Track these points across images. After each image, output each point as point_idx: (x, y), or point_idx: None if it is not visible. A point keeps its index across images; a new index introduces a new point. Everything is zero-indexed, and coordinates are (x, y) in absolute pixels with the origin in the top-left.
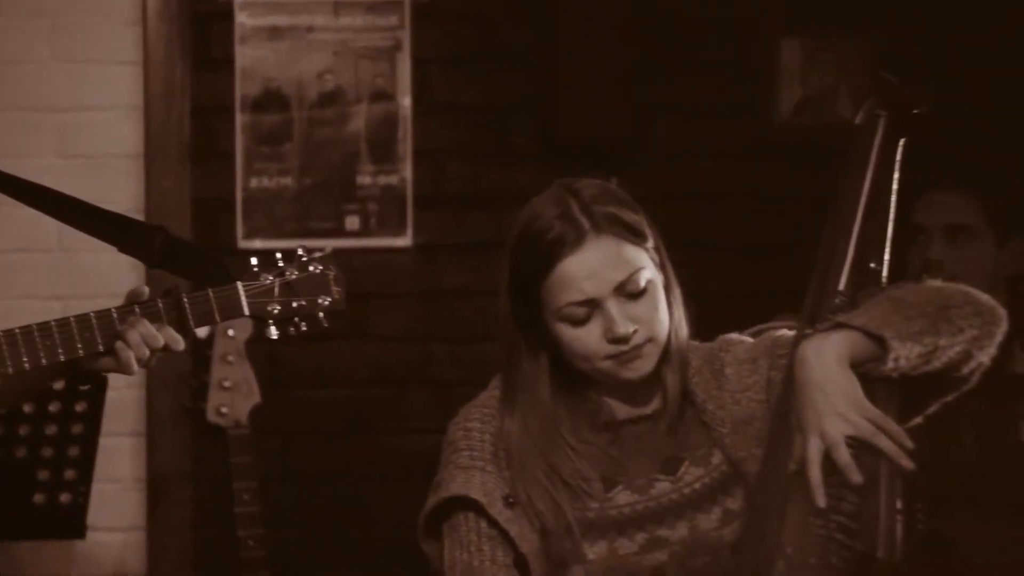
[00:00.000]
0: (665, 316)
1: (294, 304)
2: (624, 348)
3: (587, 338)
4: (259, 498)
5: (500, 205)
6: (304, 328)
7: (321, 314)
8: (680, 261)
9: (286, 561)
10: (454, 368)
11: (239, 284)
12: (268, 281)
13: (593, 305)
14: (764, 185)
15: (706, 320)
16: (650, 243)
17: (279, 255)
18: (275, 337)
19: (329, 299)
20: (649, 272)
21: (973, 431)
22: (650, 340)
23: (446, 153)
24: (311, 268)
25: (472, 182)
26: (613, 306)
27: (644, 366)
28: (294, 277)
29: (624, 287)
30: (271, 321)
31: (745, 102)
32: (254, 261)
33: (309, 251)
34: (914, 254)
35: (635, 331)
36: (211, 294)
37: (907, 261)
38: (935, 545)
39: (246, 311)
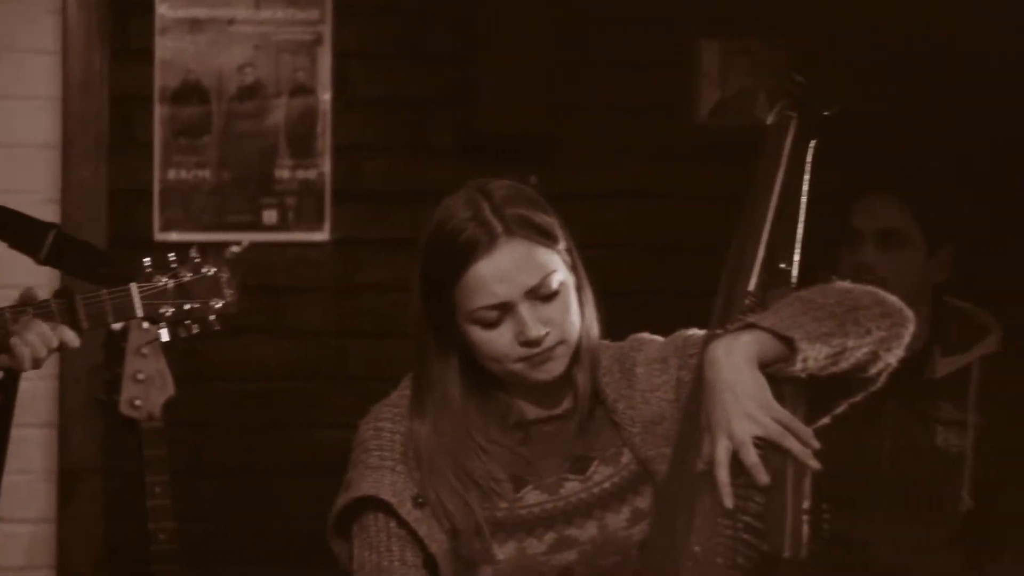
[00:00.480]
0: (576, 317)
1: (187, 307)
2: (536, 351)
3: (499, 341)
4: (171, 491)
5: (418, 201)
6: (195, 331)
7: (213, 317)
8: (598, 259)
9: (198, 555)
10: (370, 363)
11: (133, 285)
12: (162, 283)
13: (505, 308)
14: (682, 185)
15: (621, 319)
16: (561, 244)
17: (171, 256)
18: (166, 340)
19: (222, 302)
20: (561, 274)
21: (892, 434)
22: (562, 342)
23: (365, 148)
24: (204, 270)
25: (391, 178)
26: (525, 309)
27: (556, 368)
28: (188, 279)
29: (536, 290)
30: (163, 323)
31: (664, 102)
32: (147, 262)
33: (203, 252)
34: (846, 256)
35: (547, 334)
36: (105, 295)
37: (839, 262)
38: (847, 546)
39: (139, 313)
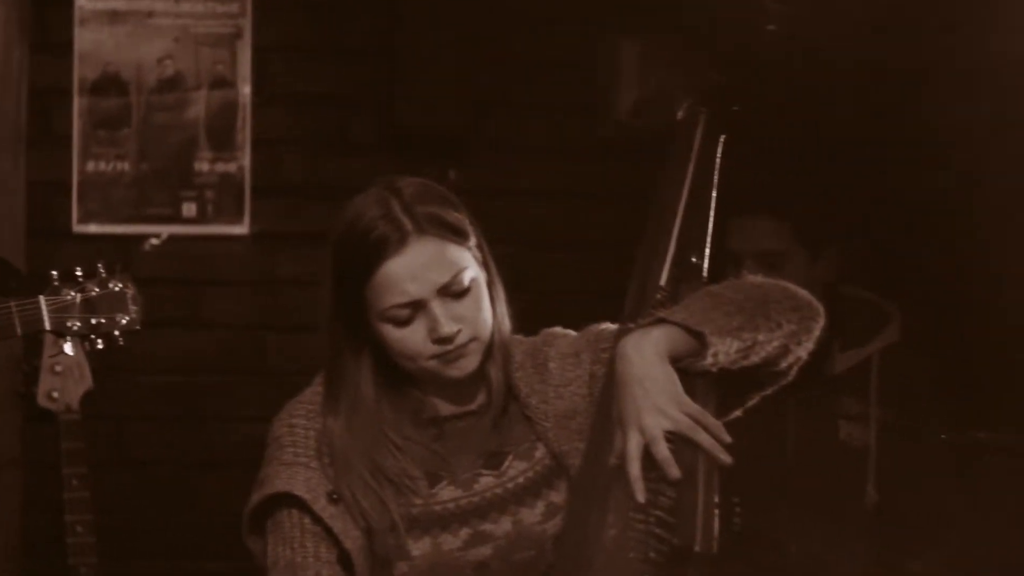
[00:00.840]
0: (488, 314)
1: (93, 321)
2: (448, 348)
3: (412, 338)
4: (89, 483)
5: (337, 195)
6: (100, 346)
7: (117, 332)
8: (515, 256)
9: (116, 547)
10: (288, 357)
11: (42, 298)
12: (70, 297)
13: (417, 306)
14: (600, 183)
15: (538, 316)
16: (472, 241)
17: (79, 271)
18: (71, 354)
19: (127, 318)
20: (472, 271)
21: (795, 430)
22: (474, 339)
23: (284, 142)
24: (111, 286)
25: (310, 172)
26: (437, 306)
27: (469, 364)
28: (95, 294)
29: (448, 288)
30: (68, 337)
31: (583, 101)
32: (55, 274)
33: (109, 268)
34: (729, 277)
35: (459, 331)
36: (13, 307)
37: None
38: (758, 540)
39: (47, 325)
